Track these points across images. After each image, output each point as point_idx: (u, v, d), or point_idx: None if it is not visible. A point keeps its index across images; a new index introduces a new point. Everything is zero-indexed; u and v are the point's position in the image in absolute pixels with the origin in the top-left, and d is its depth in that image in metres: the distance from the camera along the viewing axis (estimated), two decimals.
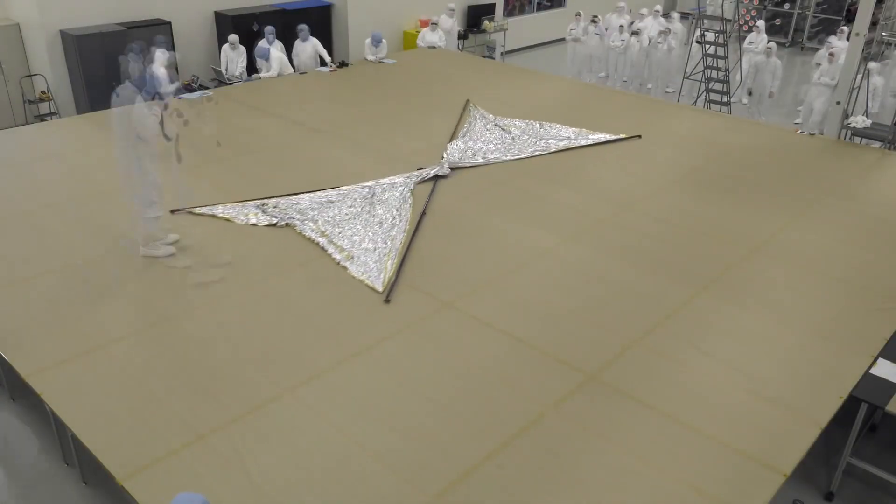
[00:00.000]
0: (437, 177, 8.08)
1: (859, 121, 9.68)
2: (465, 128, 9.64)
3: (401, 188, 7.74)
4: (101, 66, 11.26)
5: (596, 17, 15.04)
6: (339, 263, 6.31)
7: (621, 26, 14.86)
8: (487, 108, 10.32)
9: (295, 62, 12.14)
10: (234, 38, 11.83)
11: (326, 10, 14.28)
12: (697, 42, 14.17)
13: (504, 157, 8.77)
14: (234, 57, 11.87)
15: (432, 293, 5.96)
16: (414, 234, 6.90)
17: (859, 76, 11.09)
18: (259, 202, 7.33)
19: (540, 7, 18.63)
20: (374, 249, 6.54)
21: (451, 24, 14.85)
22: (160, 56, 10.49)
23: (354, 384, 4.94)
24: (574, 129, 9.66)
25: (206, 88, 11.44)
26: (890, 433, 5.86)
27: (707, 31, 13.29)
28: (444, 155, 8.66)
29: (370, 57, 12.80)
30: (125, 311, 5.64)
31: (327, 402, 4.76)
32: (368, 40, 12.86)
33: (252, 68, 12.11)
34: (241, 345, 5.29)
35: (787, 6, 19.32)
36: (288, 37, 12.39)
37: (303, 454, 4.33)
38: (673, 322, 5.68)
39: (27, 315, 5.56)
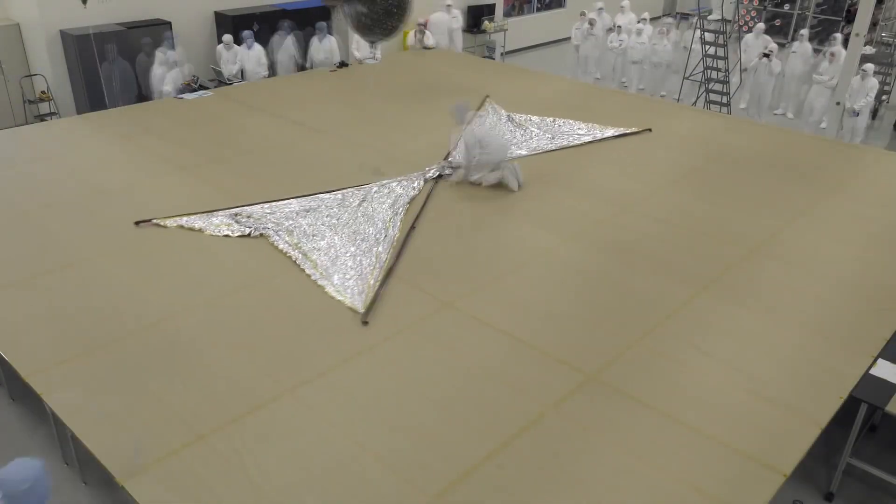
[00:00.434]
0: (440, 175, 8.08)
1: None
2: (477, 123, 9.62)
3: (394, 195, 7.54)
4: (100, 66, 11.28)
5: (593, 19, 15.04)
6: (315, 282, 6.04)
7: (619, 27, 14.86)
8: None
9: (309, 61, 12.12)
10: (227, 38, 11.83)
11: (326, 11, 14.26)
12: (686, 47, 14.23)
13: (518, 153, 8.86)
14: (229, 57, 11.88)
15: (432, 293, 5.95)
16: (415, 235, 6.90)
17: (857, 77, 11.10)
18: (232, 211, 7.03)
19: (540, 7, 18.63)
20: (355, 266, 6.23)
21: (448, 20, 14.82)
22: (159, 55, 10.51)
23: (355, 384, 4.94)
24: (587, 124, 9.83)
25: (206, 88, 11.44)
26: (890, 433, 5.86)
27: (706, 31, 13.30)
28: (453, 153, 8.63)
29: (357, 54, 12.69)
30: (125, 311, 5.64)
31: (327, 402, 4.76)
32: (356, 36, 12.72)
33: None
34: (241, 345, 5.28)
35: (787, 7, 19.32)
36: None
37: (303, 454, 4.33)
38: (673, 322, 5.68)
39: (27, 315, 5.56)
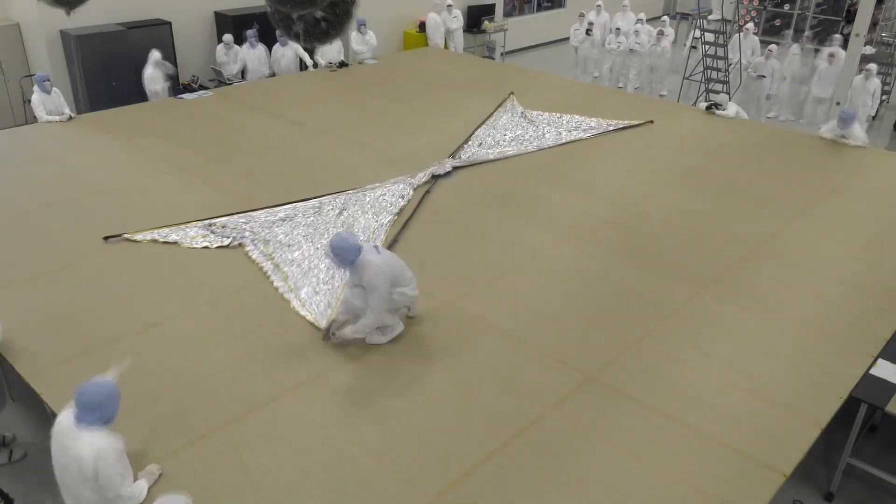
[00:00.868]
0: (435, 176, 8.08)
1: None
2: (492, 119, 9.85)
3: (379, 204, 7.32)
4: (101, 66, 11.28)
5: (590, 24, 15.04)
6: (282, 295, 5.85)
7: (618, 28, 14.86)
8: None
9: (274, 67, 12.08)
10: (228, 37, 11.82)
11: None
12: (693, 47, 14.24)
13: (527, 149, 8.99)
14: (229, 57, 11.87)
15: (432, 293, 5.95)
16: (415, 234, 6.90)
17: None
18: (206, 222, 6.84)
19: (540, 7, 18.64)
20: (328, 280, 6.01)
21: (445, 20, 14.83)
22: (154, 55, 10.49)
23: (355, 384, 4.94)
24: (594, 118, 9.97)
25: (206, 88, 11.45)
26: (890, 433, 5.86)
27: (706, 31, 13.31)
28: (463, 148, 8.73)
29: (357, 47, 12.68)
30: (125, 311, 5.64)
31: (327, 402, 4.76)
32: (354, 32, 12.67)
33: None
34: (241, 345, 5.28)
35: (787, 7, 19.33)
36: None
37: (303, 454, 4.33)
38: (673, 322, 5.68)
39: (27, 315, 5.56)
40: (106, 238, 6.56)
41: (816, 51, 13.99)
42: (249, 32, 11.76)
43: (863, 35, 10.68)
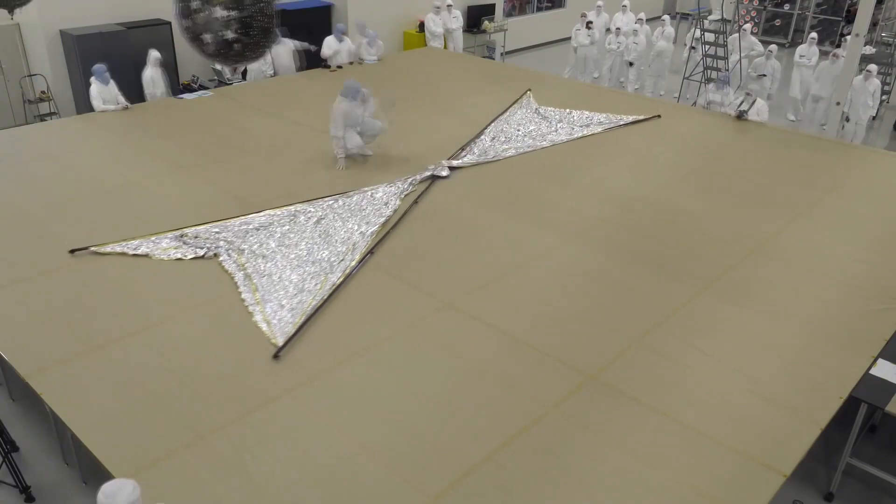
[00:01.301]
0: (434, 177, 8.08)
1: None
2: (507, 115, 10.02)
3: (361, 213, 7.15)
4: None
5: (590, 22, 15.03)
6: (246, 308, 5.68)
7: (618, 29, 14.86)
8: (490, 107, 10.31)
9: (275, 64, 12.03)
10: None
11: (326, 11, 14.28)
12: (692, 48, 14.23)
13: (540, 144, 9.12)
14: None
15: (432, 293, 5.95)
16: (416, 234, 6.90)
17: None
18: (177, 233, 6.65)
19: (540, 8, 18.64)
20: (297, 294, 5.84)
21: (439, 21, 14.82)
22: (152, 56, 10.47)
23: (355, 384, 4.94)
24: (603, 114, 10.15)
25: (206, 88, 11.44)
26: (890, 433, 5.86)
27: (706, 31, 13.30)
28: (476, 142, 8.88)
29: (368, 57, 12.68)
30: (125, 311, 5.64)
31: (327, 403, 4.76)
32: (365, 40, 12.69)
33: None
34: (240, 345, 5.28)
35: (786, 7, 19.33)
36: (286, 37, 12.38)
37: (303, 454, 4.33)
38: (673, 322, 5.68)
39: (27, 315, 5.56)
40: (72, 251, 6.32)
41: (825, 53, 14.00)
42: None
43: (863, 35, 10.67)
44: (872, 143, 12.37)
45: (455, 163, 8.42)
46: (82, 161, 8.39)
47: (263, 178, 8.01)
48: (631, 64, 14.66)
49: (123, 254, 6.34)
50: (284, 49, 11.96)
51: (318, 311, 5.63)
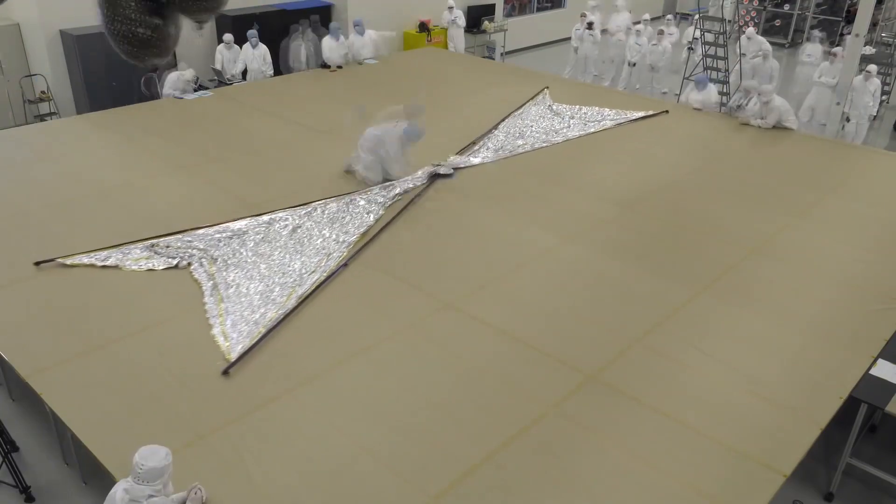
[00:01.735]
0: (437, 175, 8.07)
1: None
2: (521, 111, 10.16)
3: (340, 222, 6.94)
4: (101, 66, 11.27)
5: (591, 22, 15.03)
6: (207, 319, 5.52)
7: (605, 30, 14.87)
8: (491, 108, 10.31)
9: (240, 68, 11.90)
10: (228, 37, 11.80)
11: (326, 10, 14.28)
12: (691, 48, 14.21)
13: (554, 140, 9.24)
14: (230, 57, 11.85)
15: (432, 293, 5.95)
16: (416, 234, 6.89)
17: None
18: (148, 243, 6.48)
19: (540, 8, 18.62)
20: (261, 306, 5.68)
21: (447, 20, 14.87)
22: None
23: (355, 384, 4.94)
24: (612, 109, 10.32)
25: (206, 88, 11.44)
26: (890, 433, 5.86)
27: (707, 31, 13.29)
28: (490, 136, 9.05)
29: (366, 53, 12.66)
30: (125, 311, 5.64)
31: (327, 403, 4.76)
32: (352, 35, 12.60)
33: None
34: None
35: (786, 7, 19.32)
36: (287, 37, 12.39)
37: (303, 454, 4.33)
38: (673, 322, 5.68)
39: (27, 315, 5.56)
40: (37, 263, 6.13)
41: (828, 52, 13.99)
42: (250, 32, 11.73)
43: (863, 35, 10.66)
44: (872, 143, 12.36)
45: (457, 161, 8.42)
46: (82, 161, 8.39)
47: (263, 179, 8.00)
48: (633, 65, 14.65)
49: (91, 265, 6.15)
50: (259, 54, 11.84)
51: (279, 324, 5.46)
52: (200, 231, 6.71)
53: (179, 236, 6.61)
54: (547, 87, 11.13)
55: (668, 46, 14.27)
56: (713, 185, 8.20)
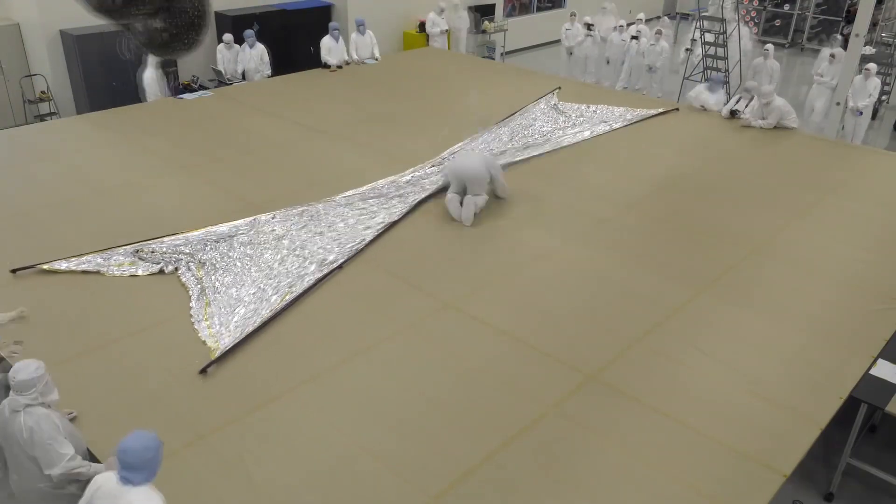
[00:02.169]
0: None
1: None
2: (526, 111, 10.20)
3: (334, 231, 6.77)
4: (101, 66, 11.28)
5: (591, 24, 15.03)
6: (192, 324, 5.46)
7: (614, 28, 14.86)
8: (491, 108, 10.30)
9: (241, 68, 11.88)
10: (228, 37, 11.81)
11: (326, 10, 14.29)
12: (688, 49, 14.20)
13: (562, 142, 9.22)
14: (230, 57, 11.85)
15: (432, 293, 5.96)
16: (416, 234, 6.90)
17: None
18: (134, 247, 6.35)
19: (540, 8, 18.63)
20: (250, 312, 5.58)
21: (442, 21, 14.85)
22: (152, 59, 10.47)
23: (355, 384, 4.94)
24: (621, 108, 10.35)
25: (206, 89, 11.45)
26: (890, 433, 5.86)
27: (707, 31, 13.30)
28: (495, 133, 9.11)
29: (356, 56, 12.59)
30: (125, 311, 5.64)
31: (327, 403, 4.76)
32: (354, 34, 12.59)
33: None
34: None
35: (786, 7, 19.32)
36: (286, 37, 12.37)
37: (303, 454, 4.33)
38: (673, 322, 5.68)
39: (27, 315, 5.56)
40: (14, 271, 6.01)
41: (816, 51, 13.99)
42: (248, 32, 11.73)
43: (863, 35, 10.67)
44: (872, 142, 12.37)
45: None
46: (82, 161, 8.39)
47: (264, 179, 8.01)
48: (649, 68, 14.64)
49: (72, 271, 6.07)
50: (256, 53, 11.78)
51: (267, 323, 5.43)
52: (190, 234, 6.60)
53: (167, 240, 6.49)
54: (559, 87, 11.13)
55: (666, 46, 14.27)
56: (713, 185, 8.20)
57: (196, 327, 5.43)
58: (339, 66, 12.17)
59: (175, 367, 5.02)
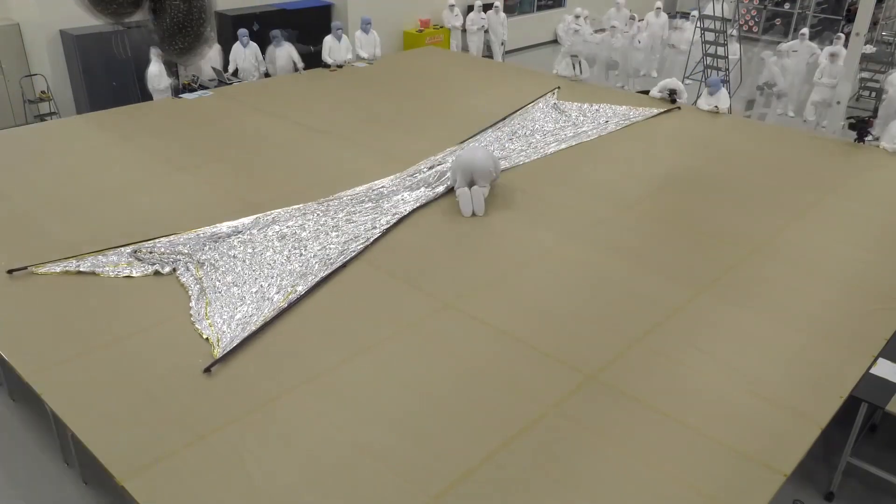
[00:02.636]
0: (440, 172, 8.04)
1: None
2: (526, 113, 10.16)
3: (340, 231, 6.74)
4: (101, 66, 11.28)
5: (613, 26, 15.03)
6: (193, 324, 5.46)
7: (613, 27, 14.85)
8: (491, 108, 10.31)
9: (269, 68, 11.89)
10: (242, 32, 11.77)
11: (326, 10, 14.28)
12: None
13: (567, 141, 9.23)
14: (231, 56, 11.83)
15: (432, 293, 5.95)
16: (416, 234, 6.90)
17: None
18: (131, 248, 6.33)
19: (540, 7, 18.62)
20: (255, 302, 5.63)
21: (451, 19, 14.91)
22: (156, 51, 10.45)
23: (355, 384, 4.94)
24: (623, 107, 10.35)
25: (206, 88, 11.44)
26: (890, 433, 5.86)
27: (707, 30, 13.29)
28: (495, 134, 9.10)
29: (363, 54, 12.56)
30: (125, 311, 5.64)
31: (327, 403, 4.76)
32: (358, 32, 12.60)
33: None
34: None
35: (787, 6, 19.31)
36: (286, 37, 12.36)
37: (303, 454, 4.34)
38: (673, 322, 5.68)
39: (27, 315, 5.56)
40: (10, 272, 6.00)
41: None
42: (241, 31, 11.70)
43: (863, 34, 10.66)
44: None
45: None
46: (82, 161, 8.39)
47: (264, 179, 8.01)
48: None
49: (67, 272, 6.07)
50: (283, 52, 11.89)
51: (266, 325, 5.42)
52: (189, 234, 6.59)
53: (166, 240, 6.47)
54: (559, 87, 11.11)
55: (645, 38, 14.27)
56: (713, 185, 8.19)
57: (198, 327, 5.43)
58: (340, 66, 12.16)
59: (175, 367, 5.02)
